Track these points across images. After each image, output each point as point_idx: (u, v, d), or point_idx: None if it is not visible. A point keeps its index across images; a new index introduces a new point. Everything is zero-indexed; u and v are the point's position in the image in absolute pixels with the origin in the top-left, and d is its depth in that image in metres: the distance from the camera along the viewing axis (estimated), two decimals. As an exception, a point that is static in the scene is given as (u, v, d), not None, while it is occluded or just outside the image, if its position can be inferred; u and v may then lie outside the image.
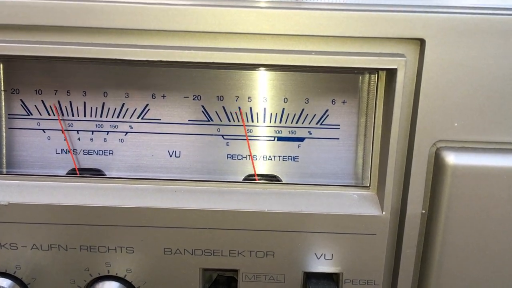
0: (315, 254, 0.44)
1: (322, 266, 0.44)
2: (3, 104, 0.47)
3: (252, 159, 0.47)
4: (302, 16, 0.39)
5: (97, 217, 0.43)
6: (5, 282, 0.44)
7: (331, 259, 0.44)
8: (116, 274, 0.44)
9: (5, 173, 0.47)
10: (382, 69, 0.42)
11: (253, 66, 0.40)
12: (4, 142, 0.48)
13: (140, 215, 0.43)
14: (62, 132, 0.46)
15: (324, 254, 0.44)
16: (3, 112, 0.47)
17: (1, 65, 0.46)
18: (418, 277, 0.45)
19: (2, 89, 0.47)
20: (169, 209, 0.43)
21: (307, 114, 0.46)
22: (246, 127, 0.47)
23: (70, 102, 0.46)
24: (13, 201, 0.43)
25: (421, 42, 0.40)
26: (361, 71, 0.44)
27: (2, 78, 0.47)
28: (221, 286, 0.49)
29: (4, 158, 0.48)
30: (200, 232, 0.43)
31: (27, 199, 0.43)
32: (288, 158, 0.48)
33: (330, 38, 0.40)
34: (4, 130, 0.47)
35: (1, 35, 0.41)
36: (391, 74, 0.41)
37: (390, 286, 0.46)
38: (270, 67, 0.40)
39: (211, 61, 0.39)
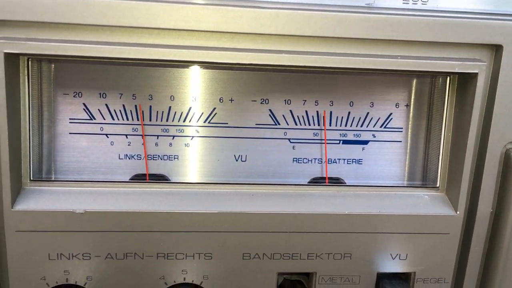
0: (391, 254, 0.45)
1: (397, 266, 0.45)
2: (52, 107, 0.45)
3: (327, 162, 0.47)
4: (384, 21, 0.40)
5: (175, 223, 0.42)
6: (74, 294, 0.42)
7: (405, 259, 0.45)
8: (192, 281, 0.43)
9: (53, 179, 0.45)
10: (459, 73, 0.43)
11: (338, 69, 0.41)
12: (53, 147, 0.46)
13: (219, 220, 0.42)
14: (142, 138, 0.45)
15: (399, 254, 0.45)
16: (53, 115, 0.45)
17: (52, 65, 0.45)
18: (483, 274, 0.46)
19: (52, 91, 0.45)
20: (249, 213, 0.42)
21: (372, 118, 0.47)
22: (312, 130, 0.47)
23: (136, 106, 0.45)
24: (88, 208, 0.41)
25: (497, 48, 0.42)
26: (433, 74, 0.46)
27: (52, 80, 0.45)
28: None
29: (53, 163, 0.46)
30: (279, 236, 0.43)
31: (102, 206, 0.41)
32: (353, 161, 0.48)
33: (412, 43, 0.41)
34: (53, 135, 0.46)
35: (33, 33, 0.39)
36: (466, 78, 0.43)
37: (455, 283, 0.47)
38: (356, 70, 0.41)
39: (303, 64, 0.40)
